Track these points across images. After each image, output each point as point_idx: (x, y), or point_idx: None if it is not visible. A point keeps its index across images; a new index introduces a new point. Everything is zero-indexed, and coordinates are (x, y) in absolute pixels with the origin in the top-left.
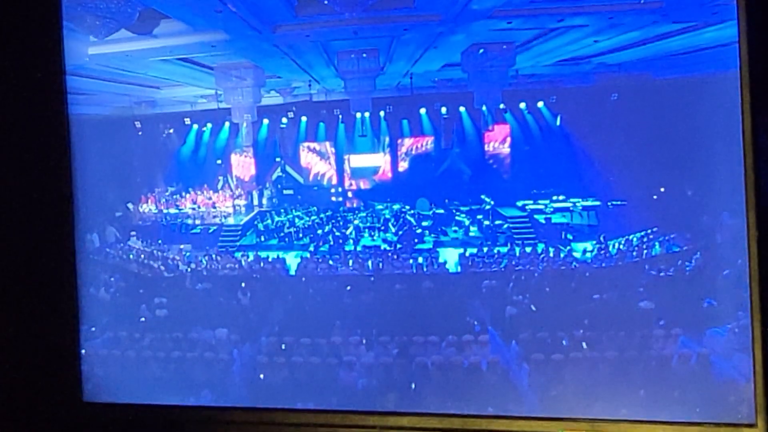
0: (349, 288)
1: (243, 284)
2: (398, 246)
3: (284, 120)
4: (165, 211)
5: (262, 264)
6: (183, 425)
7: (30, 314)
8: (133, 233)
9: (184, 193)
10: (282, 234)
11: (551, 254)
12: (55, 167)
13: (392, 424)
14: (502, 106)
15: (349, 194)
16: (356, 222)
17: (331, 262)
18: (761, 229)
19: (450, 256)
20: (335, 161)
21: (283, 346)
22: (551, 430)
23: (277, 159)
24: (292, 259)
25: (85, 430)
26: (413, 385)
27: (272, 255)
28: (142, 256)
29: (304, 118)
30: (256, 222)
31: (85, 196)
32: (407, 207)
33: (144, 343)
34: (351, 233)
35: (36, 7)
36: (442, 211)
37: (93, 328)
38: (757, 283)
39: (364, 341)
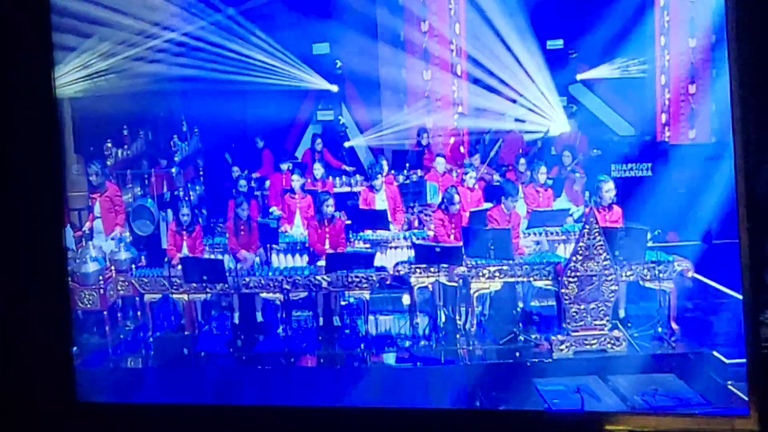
0: None
1: None
2: None
3: None
4: None
5: None
6: (176, 423)
7: (23, 315)
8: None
9: None
10: None
11: None
12: (47, 169)
13: None
14: None
15: None
16: None
17: None
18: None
19: None
20: None
21: None
22: None
23: None
24: None
25: (79, 430)
26: None
27: None
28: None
29: None
30: None
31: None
32: None
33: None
34: None
35: None
36: None
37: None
38: (749, 279)
39: None
